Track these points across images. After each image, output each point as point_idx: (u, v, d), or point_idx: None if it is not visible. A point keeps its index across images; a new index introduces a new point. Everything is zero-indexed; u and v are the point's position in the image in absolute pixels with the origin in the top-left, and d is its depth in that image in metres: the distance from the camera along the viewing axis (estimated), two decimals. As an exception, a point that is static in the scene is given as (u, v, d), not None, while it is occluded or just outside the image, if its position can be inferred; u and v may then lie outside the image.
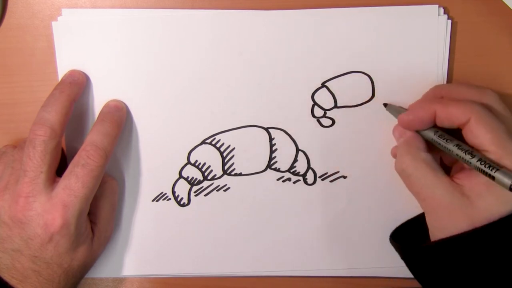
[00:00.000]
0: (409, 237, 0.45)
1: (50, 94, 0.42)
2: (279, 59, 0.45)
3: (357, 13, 0.45)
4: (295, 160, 0.47)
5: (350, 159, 0.46)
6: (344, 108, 0.46)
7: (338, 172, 0.47)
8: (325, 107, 0.46)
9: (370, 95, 0.46)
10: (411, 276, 0.45)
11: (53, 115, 0.41)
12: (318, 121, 0.46)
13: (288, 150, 0.47)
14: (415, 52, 0.45)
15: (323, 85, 0.46)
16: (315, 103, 0.46)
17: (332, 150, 0.46)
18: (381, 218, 0.47)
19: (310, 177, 0.47)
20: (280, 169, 0.47)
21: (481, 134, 0.38)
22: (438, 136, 0.41)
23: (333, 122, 0.46)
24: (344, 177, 0.47)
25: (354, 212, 0.47)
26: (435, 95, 0.43)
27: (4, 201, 0.41)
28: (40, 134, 0.40)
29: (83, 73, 0.45)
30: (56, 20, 0.45)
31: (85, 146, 0.42)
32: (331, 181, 0.47)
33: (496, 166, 0.37)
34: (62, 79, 0.44)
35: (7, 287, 0.40)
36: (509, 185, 0.36)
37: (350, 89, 0.46)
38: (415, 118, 0.41)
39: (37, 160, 0.40)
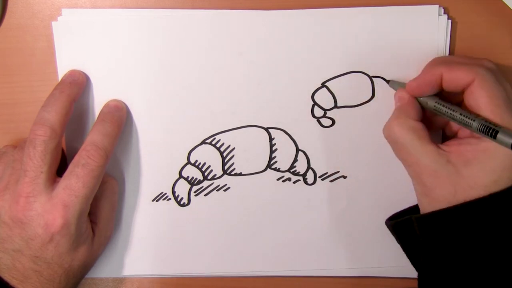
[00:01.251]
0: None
1: (50, 94, 0.42)
2: (279, 59, 0.45)
3: (357, 13, 0.45)
4: (295, 160, 0.47)
5: (350, 159, 0.47)
6: (344, 108, 0.46)
7: (338, 172, 0.47)
8: (325, 107, 0.46)
9: (370, 95, 0.46)
10: (411, 276, 0.45)
11: (53, 115, 0.41)
12: (318, 121, 0.46)
13: (288, 150, 0.47)
14: (415, 52, 0.45)
15: (323, 85, 0.46)
16: (315, 103, 0.46)
17: (332, 150, 0.46)
18: (381, 217, 0.47)
19: (310, 177, 0.47)
20: (280, 169, 0.47)
21: (480, 97, 0.38)
22: (440, 103, 0.41)
23: (333, 122, 0.46)
24: (344, 177, 0.47)
25: (354, 212, 0.47)
26: (433, 64, 0.43)
27: (5, 201, 0.41)
28: (40, 134, 0.40)
29: (83, 73, 0.45)
30: (56, 20, 0.45)
31: (85, 146, 0.42)
32: (331, 181, 0.47)
33: (497, 126, 0.37)
34: (62, 79, 0.44)
35: (8, 287, 0.40)
36: (510, 144, 0.36)
37: (350, 89, 0.46)
38: (423, 81, 0.41)
39: (37, 160, 0.40)
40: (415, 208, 0.45)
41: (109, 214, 0.45)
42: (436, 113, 0.42)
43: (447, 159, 0.39)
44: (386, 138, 0.42)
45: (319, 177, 0.47)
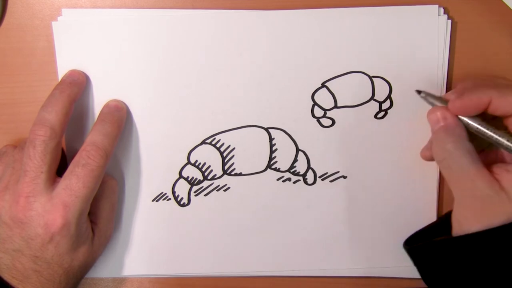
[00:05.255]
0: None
1: (50, 94, 0.42)
2: (279, 59, 0.45)
3: (357, 13, 0.45)
4: (295, 160, 0.47)
5: (350, 159, 0.47)
6: (344, 108, 0.46)
7: (338, 172, 0.47)
8: (325, 107, 0.46)
9: (370, 95, 0.46)
10: (411, 276, 0.45)
11: (53, 115, 0.41)
12: (318, 121, 0.46)
13: (288, 150, 0.47)
14: (415, 52, 0.45)
15: (323, 85, 0.46)
16: (315, 103, 0.46)
17: (332, 150, 0.46)
18: (381, 218, 0.47)
19: (310, 177, 0.47)
20: (280, 169, 0.47)
21: None
22: (484, 126, 0.39)
23: (333, 122, 0.46)
24: (344, 177, 0.47)
25: (354, 212, 0.47)
26: (480, 86, 0.41)
27: (5, 201, 0.41)
28: (41, 134, 0.40)
29: (83, 73, 0.45)
30: (56, 20, 0.45)
31: (85, 146, 0.42)
32: (331, 181, 0.47)
33: None
34: (62, 79, 0.44)
35: (8, 287, 0.40)
36: None
37: (350, 89, 0.46)
38: (469, 103, 0.39)
39: (37, 160, 0.40)
40: (428, 230, 0.44)
41: (109, 214, 0.45)
42: (476, 135, 0.40)
43: (500, 185, 0.37)
44: (439, 162, 0.40)
45: (319, 177, 0.47)
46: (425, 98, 0.42)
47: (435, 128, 0.41)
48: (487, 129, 0.39)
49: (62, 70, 0.45)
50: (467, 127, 0.40)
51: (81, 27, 0.45)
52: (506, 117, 0.39)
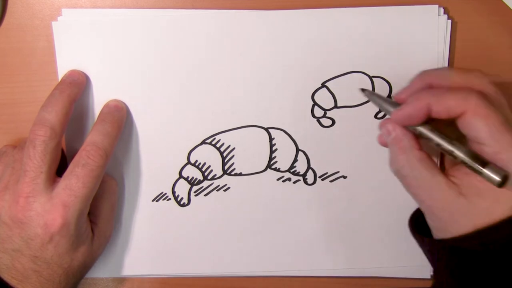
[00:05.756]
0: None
1: (50, 94, 0.42)
2: (279, 59, 0.45)
3: (357, 13, 0.45)
4: (295, 160, 0.47)
5: (350, 159, 0.47)
6: (344, 108, 0.46)
7: (338, 172, 0.47)
8: (325, 107, 0.46)
9: (370, 95, 0.46)
10: (411, 276, 0.45)
11: (53, 115, 0.41)
12: (318, 121, 0.46)
13: (288, 150, 0.47)
14: (415, 52, 0.45)
15: (323, 85, 0.46)
16: (315, 103, 0.46)
17: (332, 150, 0.46)
18: (380, 218, 0.47)
19: (310, 177, 0.47)
20: (280, 169, 0.47)
21: (478, 127, 0.35)
22: (426, 130, 0.38)
23: (333, 122, 0.46)
24: (344, 177, 0.47)
25: (354, 212, 0.47)
26: (423, 82, 0.40)
27: (5, 201, 0.41)
28: (41, 134, 0.40)
29: (83, 73, 0.45)
30: (56, 20, 0.45)
31: (85, 146, 0.42)
32: (331, 181, 0.47)
33: (483, 161, 0.35)
34: (62, 79, 0.44)
35: (7, 287, 0.40)
36: (497, 182, 0.35)
37: (350, 89, 0.46)
38: (410, 113, 0.38)
39: (37, 160, 0.40)
40: None
41: (109, 214, 0.45)
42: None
43: (459, 191, 0.36)
44: (395, 174, 0.39)
45: (319, 177, 0.47)
46: (369, 97, 0.41)
47: (387, 140, 0.40)
48: (429, 133, 0.37)
49: (62, 70, 0.45)
50: (414, 133, 0.39)
51: (81, 27, 0.45)
52: (455, 119, 0.37)
